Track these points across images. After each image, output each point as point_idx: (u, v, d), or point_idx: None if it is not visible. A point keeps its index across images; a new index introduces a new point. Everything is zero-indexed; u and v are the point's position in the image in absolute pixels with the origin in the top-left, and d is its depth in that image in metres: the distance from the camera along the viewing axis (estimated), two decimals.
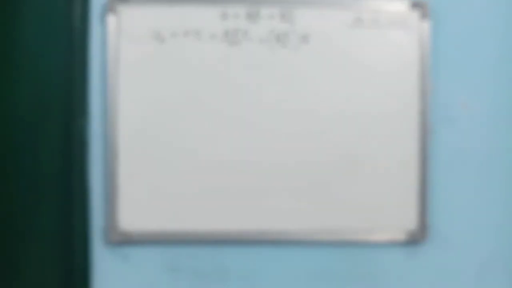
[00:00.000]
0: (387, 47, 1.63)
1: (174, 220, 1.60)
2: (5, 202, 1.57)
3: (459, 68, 1.68)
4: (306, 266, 1.67)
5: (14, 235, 1.57)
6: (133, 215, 1.59)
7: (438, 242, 1.68)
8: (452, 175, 1.68)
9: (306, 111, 1.62)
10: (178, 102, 1.60)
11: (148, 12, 1.58)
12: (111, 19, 1.57)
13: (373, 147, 1.63)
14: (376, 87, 1.63)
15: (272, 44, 1.60)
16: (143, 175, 1.60)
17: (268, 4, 1.60)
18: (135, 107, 1.59)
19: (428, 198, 1.64)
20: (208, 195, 1.61)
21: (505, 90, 1.69)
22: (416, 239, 1.65)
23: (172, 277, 1.65)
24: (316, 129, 1.62)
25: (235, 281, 1.66)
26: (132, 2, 1.58)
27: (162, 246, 1.63)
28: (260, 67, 1.61)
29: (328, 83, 1.62)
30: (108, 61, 1.58)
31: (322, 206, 1.63)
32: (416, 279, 1.69)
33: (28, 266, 1.58)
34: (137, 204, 1.60)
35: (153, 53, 1.59)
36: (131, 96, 1.59)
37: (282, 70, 1.61)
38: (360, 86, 1.63)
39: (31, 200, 1.57)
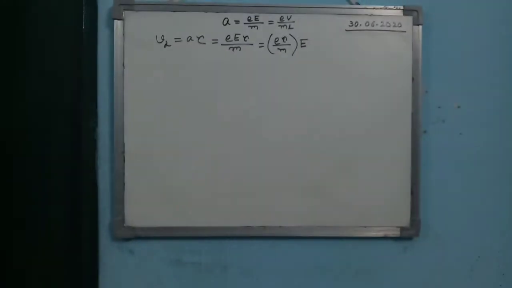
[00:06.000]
0: (382, 51, 1.63)
1: (178, 217, 1.62)
2: (18, 199, 1.58)
3: (451, 71, 1.68)
4: (304, 261, 1.69)
5: (26, 230, 1.59)
6: (138, 212, 1.61)
7: (430, 238, 1.69)
8: (443, 174, 1.69)
9: (304, 113, 1.63)
10: (182, 104, 1.61)
11: (153, 18, 1.59)
12: (118, 25, 1.59)
13: (368, 148, 1.64)
14: (370, 89, 1.63)
15: (271, 49, 1.61)
16: (148, 174, 1.60)
17: (267, 10, 1.61)
18: (141, 109, 1.60)
19: (420, 196, 1.65)
20: (210, 194, 1.62)
21: (496, 92, 1.69)
22: (408, 235, 1.66)
23: (175, 270, 1.67)
24: (313, 131, 1.63)
25: (236, 274, 1.68)
26: (137, 9, 1.59)
27: (166, 241, 1.65)
28: (260, 70, 1.61)
29: (325, 86, 1.63)
30: (115, 65, 1.59)
31: (319, 204, 1.64)
32: (410, 274, 1.70)
33: (38, 260, 1.59)
34: (142, 201, 1.61)
35: (158, 57, 1.60)
36: (137, 98, 1.60)
37: (281, 73, 1.62)
38: (355, 89, 1.63)
39: (42, 198, 1.58)
